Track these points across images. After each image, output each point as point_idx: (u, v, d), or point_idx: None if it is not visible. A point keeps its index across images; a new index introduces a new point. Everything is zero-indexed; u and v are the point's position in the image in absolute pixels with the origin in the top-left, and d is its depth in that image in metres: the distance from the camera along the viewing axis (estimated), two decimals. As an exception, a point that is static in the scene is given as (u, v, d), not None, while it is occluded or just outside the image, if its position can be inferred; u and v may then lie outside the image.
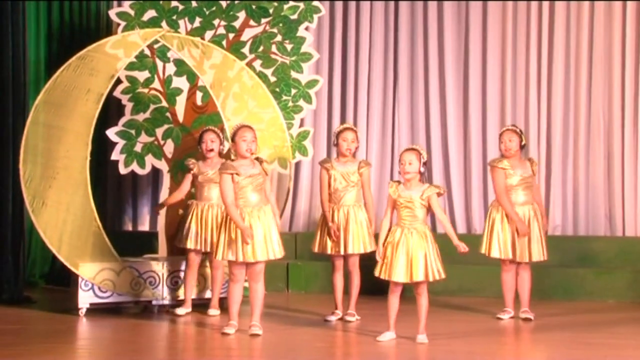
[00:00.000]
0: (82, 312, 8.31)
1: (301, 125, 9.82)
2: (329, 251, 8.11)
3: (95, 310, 8.33)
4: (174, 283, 8.65)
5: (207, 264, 8.64)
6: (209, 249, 8.37)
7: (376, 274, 7.21)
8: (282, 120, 8.95)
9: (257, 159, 7.48)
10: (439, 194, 7.17)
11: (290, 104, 9.66)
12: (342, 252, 8.07)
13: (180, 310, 8.40)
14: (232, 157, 7.54)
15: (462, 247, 7.10)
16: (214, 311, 8.43)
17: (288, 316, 8.30)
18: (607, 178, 10.31)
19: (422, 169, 7.14)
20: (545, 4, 10.48)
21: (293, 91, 9.68)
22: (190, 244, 8.43)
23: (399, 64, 10.84)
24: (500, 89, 10.63)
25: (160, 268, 8.59)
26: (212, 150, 8.45)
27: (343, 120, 10.85)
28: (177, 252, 8.98)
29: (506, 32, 10.60)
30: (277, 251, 7.40)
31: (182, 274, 8.64)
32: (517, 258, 8.15)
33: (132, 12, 9.68)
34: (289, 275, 9.97)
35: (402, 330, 7.37)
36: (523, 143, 8.26)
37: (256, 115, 8.86)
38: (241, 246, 7.32)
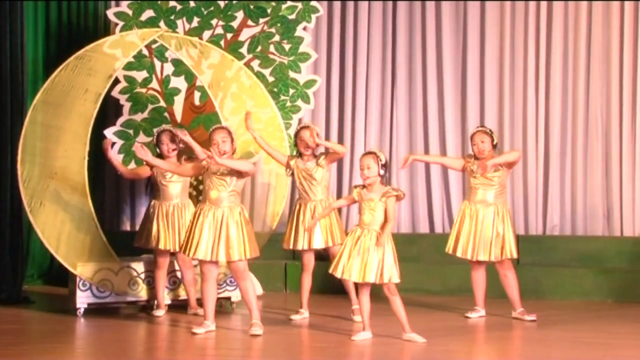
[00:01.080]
0: (81, 312, 8.30)
1: (299, 125, 9.83)
2: (299, 247, 8.14)
3: (94, 310, 8.33)
4: (172, 283, 8.65)
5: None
6: (176, 249, 8.33)
7: (330, 270, 7.29)
8: (280, 120, 8.95)
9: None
10: (398, 198, 7.21)
11: (289, 103, 9.68)
12: (306, 247, 8.11)
13: (158, 312, 8.39)
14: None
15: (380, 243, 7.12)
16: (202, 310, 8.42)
17: (285, 316, 8.30)
18: (605, 178, 10.31)
19: (381, 172, 7.19)
20: (543, 4, 10.48)
21: (291, 91, 9.69)
22: (159, 245, 8.38)
23: (397, 64, 10.84)
24: (498, 89, 10.63)
25: (155, 268, 8.57)
26: (175, 149, 8.38)
27: (341, 120, 10.86)
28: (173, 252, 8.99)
29: (504, 31, 10.60)
30: (220, 254, 7.40)
31: (179, 274, 8.62)
32: (473, 257, 8.16)
33: (130, 12, 9.69)
34: (286, 276, 9.97)
35: (399, 330, 7.37)
36: (495, 142, 8.26)
37: (254, 115, 8.84)
38: (191, 242, 7.40)
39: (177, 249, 8.28)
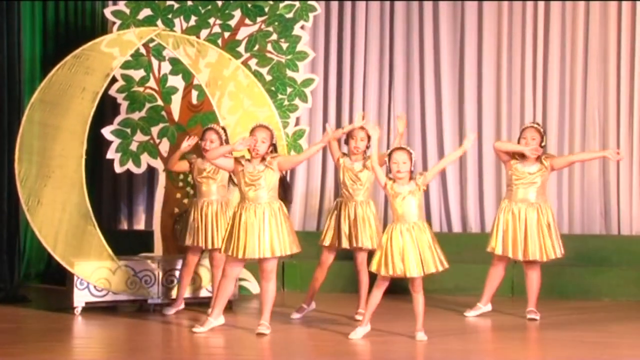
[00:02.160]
0: (78, 310, 8.30)
1: (297, 124, 9.83)
2: (343, 245, 8.10)
3: (91, 309, 8.32)
4: (170, 282, 8.64)
5: (203, 262, 8.63)
6: (209, 246, 8.34)
7: (372, 269, 7.30)
8: (278, 119, 8.93)
9: (267, 158, 7.48)
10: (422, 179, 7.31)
11: (286, 102, 9.66)
12: (347, 246, 8.09)
13: (169, 310, 8.39)
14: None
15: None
16: None
17: (284, 315, 8.29)
18: (603, 176, 10.32)
19: (412, 168, 7.29)
20: (541, 4, 10.48)
21: (289, 90, 9.68)
22: (189, 241, 8.40)
23: (395, 63, 10.83)
24: (495, 88, 10.63)
25: (155, 267, 8.58)
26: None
27: (339, 119, 10.85)
28: (173, 250, 8.98)
29: (502, 31, 10.60)
30: (266, 250, 7.38)
31: (177, 273, 8.62)
32: (511, 255, 8.15)
33: (127, 11, 9.67)
34: (284, 274, 9.96)
35: (399, 329, 7.37)
36: (544, 144, 8.25)
37: (252, 114, 8.85)
38: (235, 242, 7.36)
39: (208, 247, 8.29)
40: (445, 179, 10.70)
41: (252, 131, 7.53)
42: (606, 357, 6.79)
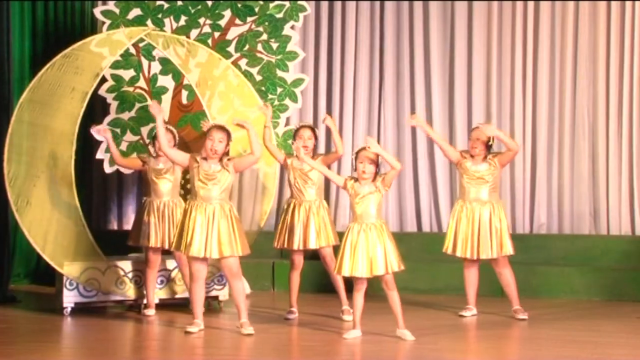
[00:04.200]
0: (67, 311, 8.28)
1: (287, 124, 9.83)
2: (294, 247, 8.09)
3: (81, 310, 8.30)
4: (160, 282, 8.62)
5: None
6: (167, 247, 8.30)
7: (335, 271, 7.37)
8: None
9: (224, 159, 7.47)
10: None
11: (276, 102, 9.66)
12: (301, 247, 8.07)
13: (149, 311, 8.38)
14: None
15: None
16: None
17: (274, 315, 8.29)
18: (592, 176, 10.34)
19: (378, 169, 7.31)
20: (530, 4, 10.50)
21: (279, 90, 9.68)
22: (150, 242, 8.37)
23: (385, 63, 10.83)
24: (485, 88, 10.64)
25: (145, 267, 8.55)
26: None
27: (329, 119, 10.84)
28: (165, 251, 8.96)
29: (491, 31, 10.61)
30: (213, 251, 7.38)
31: (166, 273, 8.60)
32: (473, 256, 8.17)
33: (117, 11, 9.67)
34: (274, 274, 9.95)
35: (390, 328, 7.37)
36: (490, 142, 8.28)
37: (242, 114, 8.84)
38: (184, 239, 7.37)
39: (169, 247, 8.26)
40: (435, 178, 10.70)
41: (209, 131, 7.49)
42: (597, 357, 6.80)
